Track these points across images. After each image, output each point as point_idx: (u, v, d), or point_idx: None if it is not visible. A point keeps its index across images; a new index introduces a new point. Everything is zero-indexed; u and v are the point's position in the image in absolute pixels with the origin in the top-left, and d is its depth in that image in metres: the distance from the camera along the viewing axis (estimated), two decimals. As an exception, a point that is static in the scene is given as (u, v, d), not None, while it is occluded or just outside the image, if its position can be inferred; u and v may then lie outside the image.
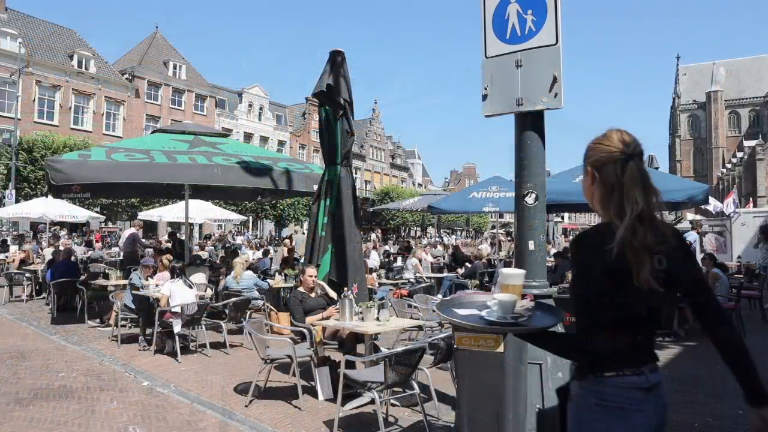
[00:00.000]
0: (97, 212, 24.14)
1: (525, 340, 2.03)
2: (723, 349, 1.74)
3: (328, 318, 5.73)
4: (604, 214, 1.76)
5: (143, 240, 13.81)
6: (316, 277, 6.20)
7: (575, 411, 1.76)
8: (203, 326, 7.30)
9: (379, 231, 38.32)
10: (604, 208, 1.76)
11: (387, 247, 23.33)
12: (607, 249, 1.64)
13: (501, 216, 21.38)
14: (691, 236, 13.50)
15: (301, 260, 8.39)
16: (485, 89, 4.19)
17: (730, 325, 1.75)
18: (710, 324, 1.74)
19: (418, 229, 50.63)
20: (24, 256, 13.62)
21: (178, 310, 6.91)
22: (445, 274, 12.52)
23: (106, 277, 10.08)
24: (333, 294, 6.10)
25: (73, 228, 29.24)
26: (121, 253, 15.78)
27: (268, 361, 5.19)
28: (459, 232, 60.12)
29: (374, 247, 18.54)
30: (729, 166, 72.94)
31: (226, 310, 7.87)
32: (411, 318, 6.95)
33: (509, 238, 38.58)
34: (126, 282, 8.70)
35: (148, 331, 7.40)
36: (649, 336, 1.75)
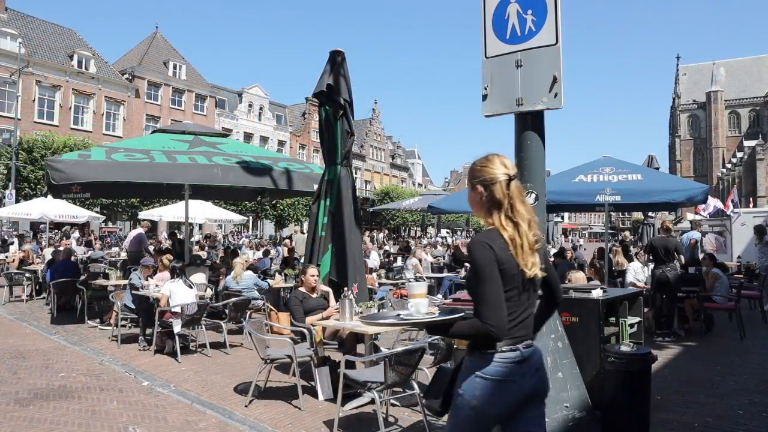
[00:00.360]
0: (97, 212, 24.14)
1: (435, 332, 2.45)
2: (543, 310, 2.34)
3: (328, 318, 5.73)
4: (491, 222, 2.17)
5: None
6: (318, 277, 6.20)
7: (461, 380, 2.17)
8: (203, 326, 7.30)
9: (385, 231, 38.26)
10: (491, 217, 2.17)
11: (387, 247, 23.32)
12: (501, 248, 2.08)
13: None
14: (696, 234, 13.58)
15: (301, 260, 8.39)
16: (485, 89, 4.19)
17: (556, 306, 2.41)
18: (549, 300, 2.34)
19: (418, 229, 50.61)
20: (24, 256, 13.62)
21: (178, 310, 6.91)
22: (445, 274, 12.51)
23: (106, 277, 10.08)
24: (333, 302, 6.08)
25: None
26: (122, 253, 15.80)
27: (268, 361, 5.19)
28: (459, 232, 60.10)
29: (380, 247, 18.53)
30: (729, 166, 72.96)
31: (226, 310, 7.87)
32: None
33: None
34: (126, 282, 8.70)
35: (148, 331, 7.40)
36: (529, 315, 2.19)
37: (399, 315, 2.48)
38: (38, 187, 26.85)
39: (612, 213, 13.45)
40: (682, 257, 8.86)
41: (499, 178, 2.15)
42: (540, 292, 2.28)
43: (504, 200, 2.14)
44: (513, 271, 2.08)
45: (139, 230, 13.02)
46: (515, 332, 2.12)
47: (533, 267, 2.09)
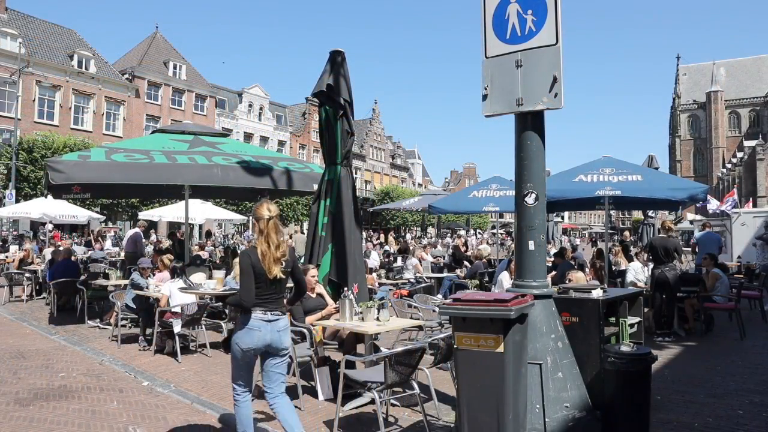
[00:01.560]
0: (97, 212, 24.14)
1: (222, 300, 4.97)
2: (295, 293, 4.12)
3: (326, 317, 5.74)
4: (256, 242, 3.67)
5: (144, 240, 13.81)
6: (316, 278, 6.20)
7: (234, 331, 3.73)
8: (203, 326, 7.30)
9: (385, 232, 38.28)
10: (258, 239, 3.68)
11: (387, 247, 23.31)
12: (256, 257, 3.61)
13: (501, 216, 21.37)
14: (705, 233, 13.73)
15: (301, 260, 8.38)
16: (485, 89, 4.19)
17: (301, 292, 4.15)
18: (297, 292, 4.08)
19: (418, 229, 50.63)
20: (24, 256, 13.62)
21: (178, 310, 6.91)
22: (445, 274, 12.51)
23: (106, 277, 10.07)
24: (330, 301, 6.09)
25: (73, 228, 29.23)
26: (122, 253, 15.79)
27: (268, 361, 5.18)
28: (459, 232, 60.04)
29: (381, 245, 18.47)
30: (729, 166, 72.91)
31: (226, 310, 7.86)
32: (411, 318, 6.96)
33: (510, 238, 38.53)
34: (126, 282, 8.69)
35: (148, 331, 7.40)
36: (277, 298, 3.73)
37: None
38: (38, 187, 26.84)
39: (612, 213, 13.50)
40: (681, 256, 8.86)
41: (264, 216, 3.66)
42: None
43: (264, 230, 3.64)
44: (261, 272, 3.61)
45: (136, 230, 13.03)
46: (266, 305, 3.66)
47: (273, 271, 3.61)
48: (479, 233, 35.90)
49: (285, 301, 3.87)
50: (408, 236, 28.16)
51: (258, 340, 3.60)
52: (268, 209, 3.66)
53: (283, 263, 3.66)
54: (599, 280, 8.51)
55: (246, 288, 3.60)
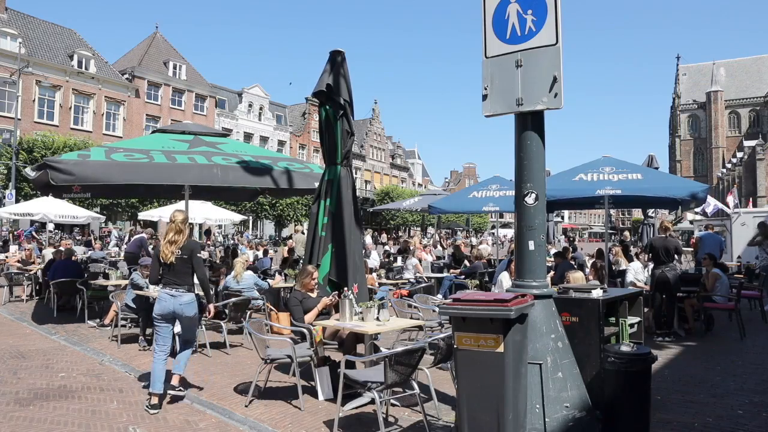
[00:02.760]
0: (97, 212, 24.12)
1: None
2: (201, 286, 5.37)
3: (322, 309, 5.80)
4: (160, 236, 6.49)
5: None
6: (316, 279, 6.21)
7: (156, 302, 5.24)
8: (203, 326, 7.29)
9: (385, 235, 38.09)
10: (164, 237, 5.10)
11: (387, 247, 23.31)
12: (158, 249, 5.09)
13: (501, 216, 21.37)
14: (707, 233, 13.83)
15: (301, 261, 8.38)
16: (485, 89, 4.19)
17: (198, 273, 5.21)
18: (194, 271, 5.20)
19: (418, 229, 50.65)
20: (26, 256, 13.62)
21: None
22: (445, 274, 12.51)
23: (106, 277, 10.06)
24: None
25: (73, 228, 29.19)
26: (121, 253, 15.83)
27: (268, 361, 5.19)
28: (459, 232, 60.09)
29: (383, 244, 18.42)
30: (729, 166, 72.93)
31: (226, 310, 7.86)
32: (411, 318, 6.96)
33: (510, 238, 38.50)
34: (126, 282, 8.69)
35: (148, 331, 7.39)
36: (179, 279, 5.03)
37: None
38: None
39: (612, 213, 13.55)
40: (681, 256, 8.87)
41: (171, 219, 5.06)
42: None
43: (168, 230, 5.05)
44: (159, 257, 4.99)
45: (142, 235, 13.18)
46: (171, 285, 5.00)
47: (168, 258, 4.93)
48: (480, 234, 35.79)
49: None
50: (437, 236, 27.75)
51: (165, 308, 4.98)
52: (173, 216, 5.06)
53: (179, 252, 4.96)
54: (599, 280, 8.51)
55: (152, 269, 5.18)
